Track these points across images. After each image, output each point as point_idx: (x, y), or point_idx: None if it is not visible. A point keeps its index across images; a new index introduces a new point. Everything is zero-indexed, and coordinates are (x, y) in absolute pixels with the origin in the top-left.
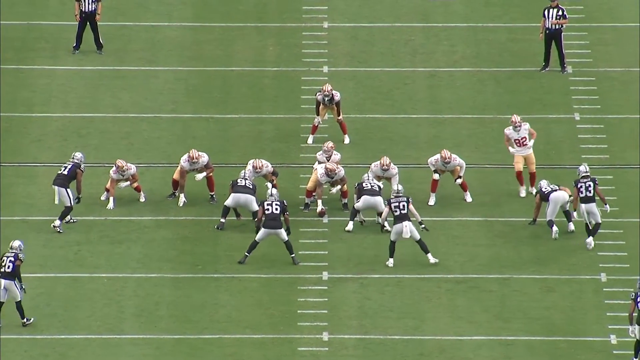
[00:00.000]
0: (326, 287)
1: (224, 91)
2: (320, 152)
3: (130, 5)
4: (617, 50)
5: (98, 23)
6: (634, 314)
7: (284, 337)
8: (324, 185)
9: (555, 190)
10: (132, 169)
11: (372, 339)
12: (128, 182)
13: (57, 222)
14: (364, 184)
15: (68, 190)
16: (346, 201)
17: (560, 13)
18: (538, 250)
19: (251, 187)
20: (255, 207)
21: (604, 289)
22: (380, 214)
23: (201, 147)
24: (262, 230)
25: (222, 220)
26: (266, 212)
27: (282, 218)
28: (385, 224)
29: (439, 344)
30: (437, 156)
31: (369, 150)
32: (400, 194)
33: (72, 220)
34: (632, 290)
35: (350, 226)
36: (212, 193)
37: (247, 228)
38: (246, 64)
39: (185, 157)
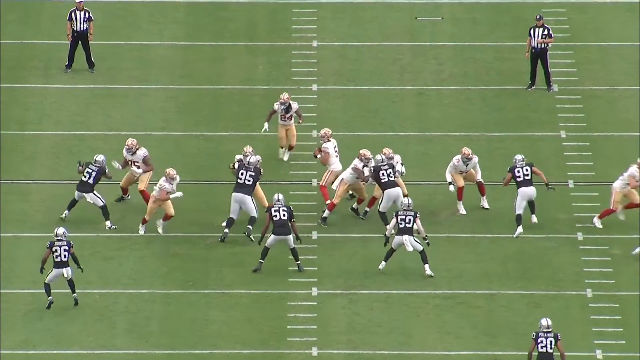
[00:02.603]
0: (315, 303)
1: (215, 109)
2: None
3: (122, 24)
4: (603, 68)
5: (90, 42)
6: (533, 353)
7: (274, 352)
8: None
9: (527, 181)
10: (143, 152)
11: (361, 354)
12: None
13: (108, 223)
14: (381, 173)
15: (95, 192)
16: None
17: (545, 32)
18: (525, 266)
19: (250, 182)
20: (253, 212)
21: (590, 305)
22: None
23: (192, 165)
24: (272, 237)
25: (226, 230)
26: (274, 218)
27: (289, 224)
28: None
29: (427, 359)
30: (458, 157)
31: None
32: (410, 208)
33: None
34: (617, 306)
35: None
36: (125, 195)
37: (237, 244)
38: (236, 83)
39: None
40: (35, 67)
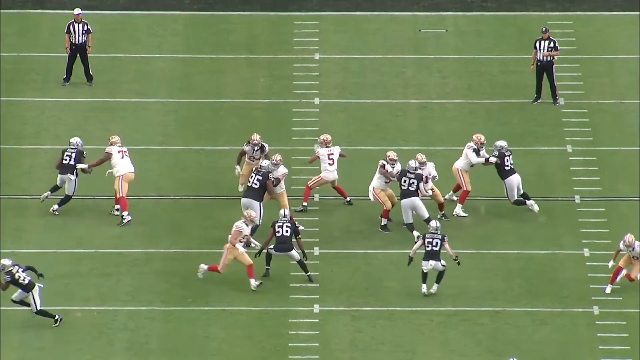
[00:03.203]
0: (317, 320)
1: (215, 123)
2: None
3: (121, 37)
4: (609, 82)
5: (89, 55)
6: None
7: None
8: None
9: (510, 170)
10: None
11: None
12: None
13: (47, 194)
14: (403, 180)
15: (75, 179)
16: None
17: (551, 45)
18: (530, 283)
19: (257, 186)
20: (257, 219)
21: (597, 322)
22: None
23: (192, 179)
24: (273, 253)
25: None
26: (277, 234)
27: (293, 240)
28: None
29: None
30: (470, 143)
31: (359, 182)
32: (438, 231)
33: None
34: (624, 323)
35: (416, 234)
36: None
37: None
38: (237, 96)
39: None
40: (33, 80)
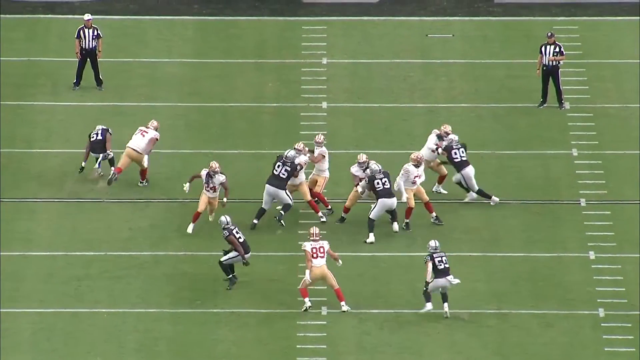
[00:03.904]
0: (325, 322)
1: (224, 127)
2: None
3: (130, 41)
4: (615, 86)
5: (98, 60)
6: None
7: None
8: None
9: (463, 161)
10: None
11: None
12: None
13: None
14: (376, 182)
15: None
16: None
17: (557, 50)
18: (536, 286)
19: (285, 176)
20: (288, 200)
21: (602, 325)
22: (393, 217)
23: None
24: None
25: (255, 221)
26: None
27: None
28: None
29: None
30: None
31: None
32: (438, 249)
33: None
34: (630, 325)
35: (371, 238)
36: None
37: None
38: (245, 100)
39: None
40: (43, 84)
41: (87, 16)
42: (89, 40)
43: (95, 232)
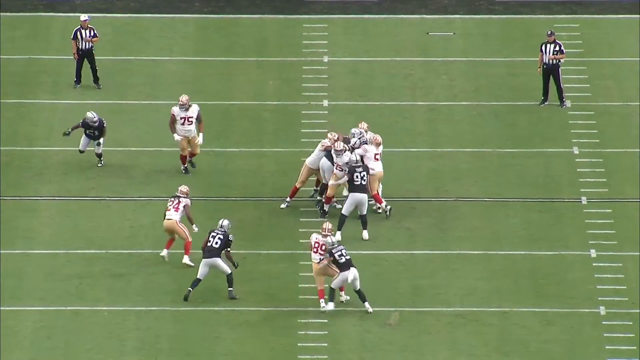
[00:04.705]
0: (326, 320)
1: (225, 125)
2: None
3: (131, 39)
4: (616, 84)
5: (95, 58)
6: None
7: None
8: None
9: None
10: (195, 111)
11: None
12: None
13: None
14: (355, 175)
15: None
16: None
17: (557, 48)
18: (537, 284)
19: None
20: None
21: (603, 322)
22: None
23: (202, 181)
24: (202, 262)
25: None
26: (208, 243)
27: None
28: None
29: None
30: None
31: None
32: (335, 244)
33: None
34: (631, 323)
35: (338, 236)
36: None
37: (247, 262)
38: (246, 98)
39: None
40: (44, 82)
41: (83, 17)
42: (85, 41)
43: (97, 230)
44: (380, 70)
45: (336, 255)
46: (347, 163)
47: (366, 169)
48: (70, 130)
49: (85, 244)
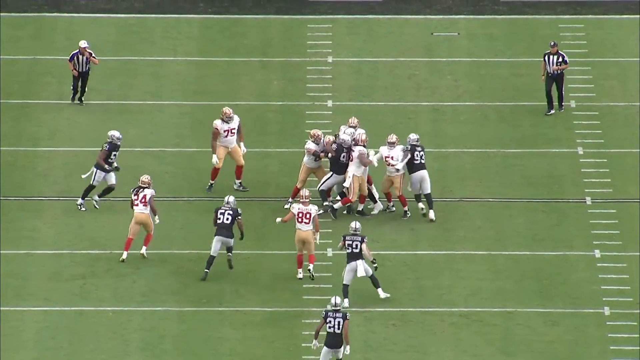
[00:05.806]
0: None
1: None
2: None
3: (135, 39)
4: (620, 85)
5: (97, 62)
6: (320, 332)
7: None
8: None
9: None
10: (237, 122)
11: None
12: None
13: (80, 201)
14: (414, 154)
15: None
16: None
17: (560, 60)
18: (542, 284)
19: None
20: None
21: (608, 323)
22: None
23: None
24: (214, 239)
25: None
26: (218, 220)
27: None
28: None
29: None
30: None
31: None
32: (357, 232)
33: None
34: (635, 324)
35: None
36: (239, 181)
37: (251, 262)
38: (251, 98)
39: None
40: (48, 82)
41: (83, 43)
42: (82, 65)
43: (101, 230)
44: (385, 70)
45: (347, 242)
46: (405, 149)
47: (423, 148)
48: (110, 166)
49: (89, 245)
